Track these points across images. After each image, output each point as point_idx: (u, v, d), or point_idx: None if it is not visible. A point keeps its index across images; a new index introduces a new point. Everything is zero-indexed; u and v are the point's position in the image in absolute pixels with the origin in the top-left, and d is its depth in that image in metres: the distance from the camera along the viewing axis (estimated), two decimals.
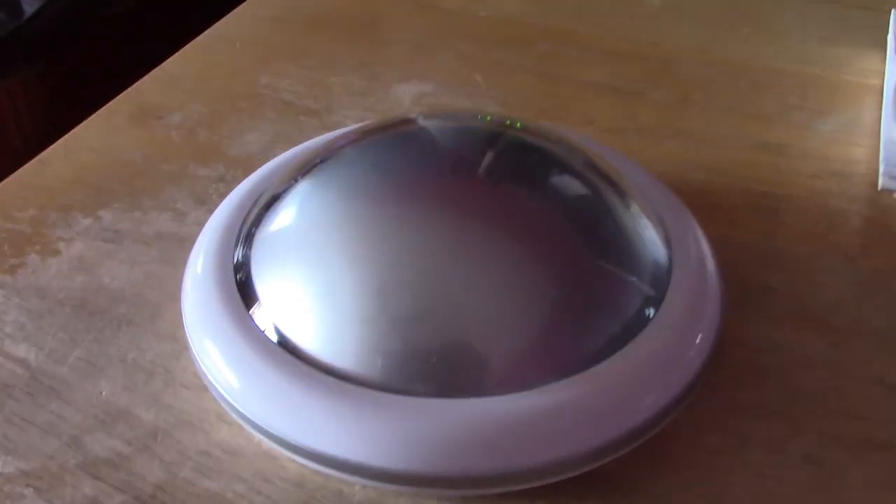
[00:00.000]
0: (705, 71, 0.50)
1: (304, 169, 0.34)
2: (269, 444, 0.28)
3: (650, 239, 0.32)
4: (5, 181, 0.42)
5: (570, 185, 0.33)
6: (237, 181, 0.37)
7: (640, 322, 0.29)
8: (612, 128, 0.45)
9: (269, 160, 0.38)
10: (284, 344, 0.28)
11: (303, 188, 0.33)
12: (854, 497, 0.28)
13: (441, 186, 0.32)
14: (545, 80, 0.50)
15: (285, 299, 0.30)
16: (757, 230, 0.38)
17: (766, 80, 0.49)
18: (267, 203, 0.33)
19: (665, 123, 0.46)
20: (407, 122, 0.35)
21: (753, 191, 0.41)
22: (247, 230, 0.33)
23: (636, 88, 0.49)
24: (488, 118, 0.35)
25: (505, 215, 0.31)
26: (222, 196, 0.36)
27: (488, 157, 0.32)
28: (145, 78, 0.50)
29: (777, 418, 0.30)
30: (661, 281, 0.30)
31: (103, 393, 0.31)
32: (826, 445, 0.29)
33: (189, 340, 0.31)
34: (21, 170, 0.42)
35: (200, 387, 0.31)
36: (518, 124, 0.34)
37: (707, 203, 0.39)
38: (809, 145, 0.44)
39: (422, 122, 0.35)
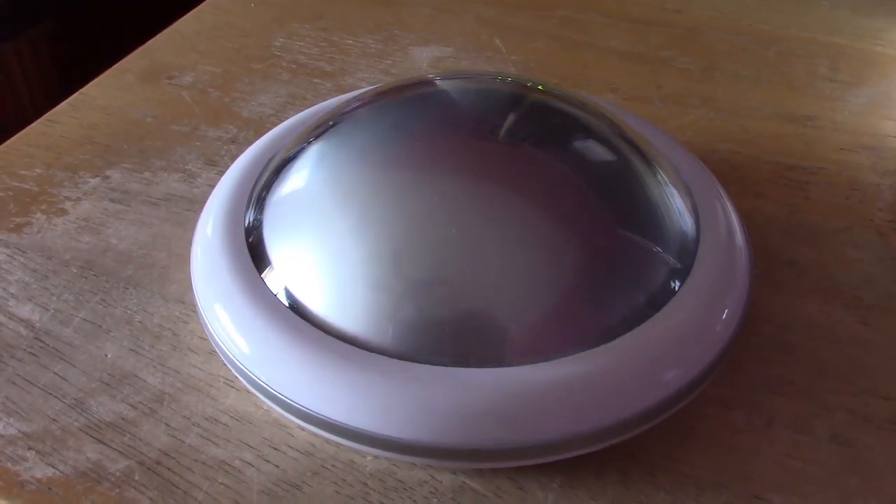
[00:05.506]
0: (732, 39, 0.49)
1: (318, 130, 0.33)
2: (278, 411, 0.27)
3: (677, 209, 0.30)
4: (11, 139, 0.41)
5: (595, 151, 0.31)
6: (249, 143, 0.36)
7: (665, 294, 0.28)
8: (636, 95, 0.44)
9: (281, 122, 0.36)
10: (296, 308, 0.27)
11: (316, 150, 0.32)
12: (884, 479, 0.27)
13: (459, 149, 0.30)
14: (567, 46, 0.48)
15: (298, 263, 0.29)
16: (785, 203, 0.37)
17: (796, 49, 0.48)
18: (279, 165, 0.32)
19: (691, 92, 0.44)
20: (424, 82, 0.34)
21: (781, 163, 0.39)
22: (258, 192, 0.32)
23: (660, 56, 0.47)
24: (509, 79, 0.34)
25: (526, 180, 0.29)
26: (234, 157, 0.35)
27: (510, 119, 0.31)
28: (157, 37, 0.49)
29: (804, 396, 0.29)
30: (687, 252, 0.29)
31: (108, 355, 0.30)
32: (855, 425, 0.28)
33: (198, 303, 0.30)
34: (28, 128, 0.41)
35: (208, 351, 0.30)
36: (540, 86, 0.33)
37: (734, 174, 0.38)
38: (839, 118, 0.42)
39: (439, 82, 0.33)
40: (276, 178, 0.31)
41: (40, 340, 0.31)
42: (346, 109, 0.33)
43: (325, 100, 0.39)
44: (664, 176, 0.31)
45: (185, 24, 0.50)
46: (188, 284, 0.31)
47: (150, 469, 0.27)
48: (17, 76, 0.76)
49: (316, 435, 0.27)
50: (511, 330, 0.27)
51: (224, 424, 0.28)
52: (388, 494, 0.26)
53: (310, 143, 0.32)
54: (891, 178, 0.39)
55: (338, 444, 0.27)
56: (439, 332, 0.26)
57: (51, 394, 0.29)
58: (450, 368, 0.25)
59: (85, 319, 0.32)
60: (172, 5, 0.55)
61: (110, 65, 0.47)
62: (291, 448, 0.28)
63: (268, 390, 0.27)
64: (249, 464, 0.27)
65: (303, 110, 0.37)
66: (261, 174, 0.33)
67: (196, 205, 0.36)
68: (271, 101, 0.43)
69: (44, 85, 0.79)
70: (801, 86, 0.45)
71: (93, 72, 0.46)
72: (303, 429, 0.28)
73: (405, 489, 0.26)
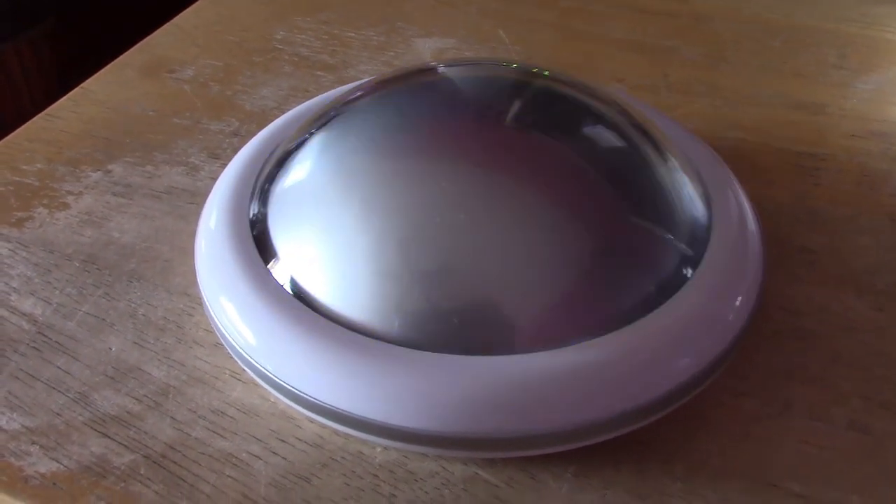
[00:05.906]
0: (738, 28, 0.48)
1: (321, 121, 0.32)
2: (285, 402, 0.27)
3: (688, 195, 0.30)
4: (12, 134, 0.40)
5: (605, 138, 0.31)
6: (251, 135, 0.35)
7: (678, 282, 0.27)
8: (642, 85, 0.43)
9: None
10: (303, 298, 0.27)
11: (320, 140, 0.31)
12: None
13: (465, 136, 0.30)
14: (571, 36, 0.48)
15: (304, 253, 0.28)
16: (795, 190, 0.37)
17: (803, 37, 0.47)
18: (283, 156, 0.32)
19: (698, 81, 0.44)
20: (426, 70, 0.33)
21: (791, 150, 0.39)
22: (262, 184, 0.31)
23: (666, 46, 0.47)
24: (513, 66, 0.33)
25: (534, 167, 0.29)
26: (236, 150, 0.35)
27: (517, 105, 0.30)
28: (157, 32, 0.49)
29: (819, 383, 0.29)
30: (700, 239, 0.29)
31: (112, 349, 0.30)
32: (871, 412, 0.28)
33: (203, 296, 0.29)
34: (29, 122, 0.41)
35: (214, 343, 0.30)
36: (545, 73, 0.32)
37: (743, 162, 0.38)
38: (848, 105, 0.42)
39: (443, 69, 0.33)
40: (280, 169, 0.31)
41: (43, 335, 0.31)
42: (349, 99, 0.33)
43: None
44: (675, 162, 0.31)
45: (185, 18, 0.50)
46: (192, 277, 0.30)
47: (155, 463, 0.26)
48: (17, 76, 0.76)
49: (324, 426, 0.27)
50: (522, 317, 0.26)
51: (231, 417, 0.28)
52: (398, 486, 0.26)
53: (313, 133, 0.32)
54: None
55: (346, 436, 0.27)
56: (448, 320, 0.26)
57: (54, 388, 0.29)
58: (460, 356, 0.25)
59: (88, 313, 0.31)
60: (173, 5, 0.54)
61: None
62: (299, 440, 0.27)
63: (275, 381, 0.26)
64: (257, 456, 0.27)
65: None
66: (264, 165, 0.32)
67: (199, 198, 0.36)
68: (273, 94, 0.43)
69: (44, 84, 0.78)
70: (809, 73, 0.44)
71: (93, 71, 0.46)
72: (311, 420, 0.27)
73: (416, 480, 0.26)
